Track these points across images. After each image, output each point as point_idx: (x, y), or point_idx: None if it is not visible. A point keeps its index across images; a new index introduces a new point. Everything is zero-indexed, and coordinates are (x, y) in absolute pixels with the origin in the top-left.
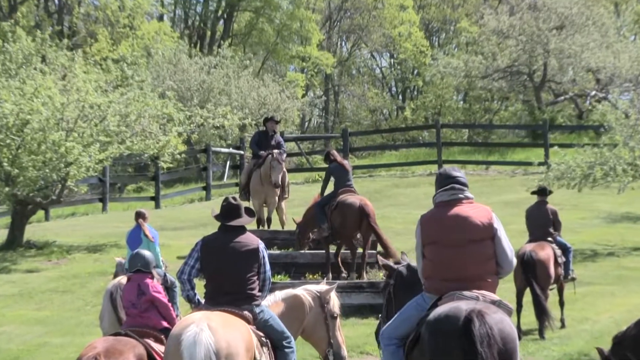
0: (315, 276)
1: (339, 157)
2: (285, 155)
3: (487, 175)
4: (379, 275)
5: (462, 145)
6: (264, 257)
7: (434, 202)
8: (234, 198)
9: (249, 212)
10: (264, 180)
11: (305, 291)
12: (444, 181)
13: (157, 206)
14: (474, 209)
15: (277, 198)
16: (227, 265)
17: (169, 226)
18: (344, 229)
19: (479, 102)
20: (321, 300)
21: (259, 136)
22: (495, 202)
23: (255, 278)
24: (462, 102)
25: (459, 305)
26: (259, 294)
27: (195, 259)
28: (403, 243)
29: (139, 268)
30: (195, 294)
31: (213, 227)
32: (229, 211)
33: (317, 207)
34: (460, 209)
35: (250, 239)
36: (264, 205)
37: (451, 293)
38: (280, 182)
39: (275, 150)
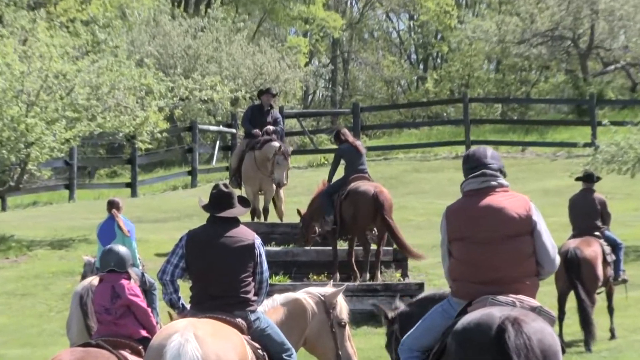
0: (320, 277)
1: (350, 137)
2: (283, 133)
3: (523, 159)
4: (396, 276)
5: (494, 123)
6: (260, 255)
7: (462, 191)
8: (226, 185)
9: (244, 202)
10: (259, 164)
11: (308, 295)
12: (474, 165)
13: (134, 194)
14: (510, 198)
15: (274, 185)
16: (217, 263)
17: (147, 218)
18: (355, 222)
19: (513, 72)
20: (326, 305)
21: (252, 112)
22: (533, 190)
23: (250, 279)
24: (494, 72)
25: (491, 312)
26: (255, 298)
27: (179, 257)
28: (423, 238)
29: (112, 267)
30: (179, 298)
31: (200, 219)
32: (219, 200)
33: (323, 195)
34: (493, 199)
35: (244, 233)
36: (259, 193)
37: (483, 298)
38: (285, 181)
39: (275, 143)
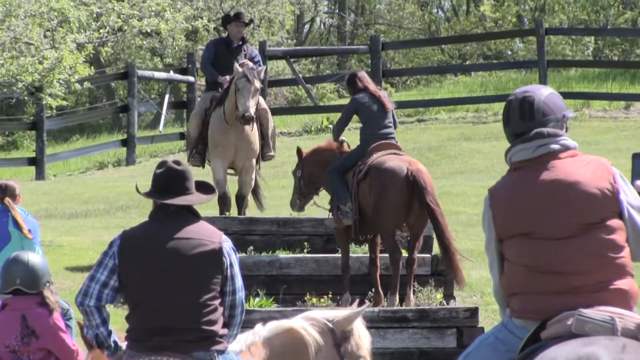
0: (322, 300)
1: (372, 85)
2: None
3: (627, 119)
4: (437, 298)
5: (584, 67)
6: (231, 265)
7: (509, 163)
8: (177, 162)
9: (204, 187)
10: (229, 122)
11: (308, 322)
12: (521, 118)
13: (40, 175)
14: (583, 166)
15: (254, 159)
16: (167, 279)
17: (60, 211)
18: (379, 215)
19: None
20: (336, 335)
21: (215, 49)
22: None
23: (215, 302)
24: None
25: (594, 352)
26: (224, 331)
27: (109, 271)
28: (476, 240)
29: (18, 286)
30: (109, 333)
31: (141, 212)
32: (167, 183)
33: (332, 173)
34: (559, 171)
35: (206, 233)
36: (231, 170)
37: (563, 315)
38: (253, 114)
39: (246, 62)
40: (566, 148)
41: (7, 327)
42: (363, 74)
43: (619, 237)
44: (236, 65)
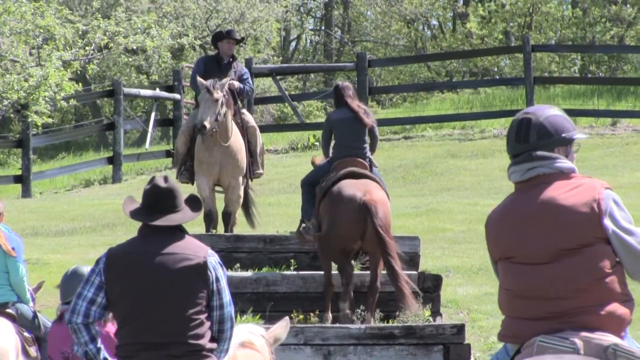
0: (310, 317)
1: (352, 99)
2: (252, 95)
3: (613, 136)
4: (424, 315)
5: (570, 83)
6: (217, 280)
7: (513, 182)
8: (165, 178)
9: (192, 203)
10: (214, 142)
11: (254, 334)
12: (517, 140)
13: (26, 192)
14: (571, 190)
15: (240, 177)
16: (153, 295)
17: (46, 229)
18: (329, 239)
19: (599, 6)
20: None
21: (205, 66)
22: (628, 183)
23: (202, 317)
24: (569, 7)
25: None
26: (212, 345)
27: (96, 288)
28: (464, 257)
29: None
30: (98, 350)
31: (127, 230)
32: (155, 201)
33: (303, 187)
34: (546, 195)
35: (191, 248)
36: (216, 186)
37: (532, 341)
38: (208, 126)
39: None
40: (559, 171)
41: (63, 335)
42: (346, 87)
43: (602, 262)
44: (199, 79)
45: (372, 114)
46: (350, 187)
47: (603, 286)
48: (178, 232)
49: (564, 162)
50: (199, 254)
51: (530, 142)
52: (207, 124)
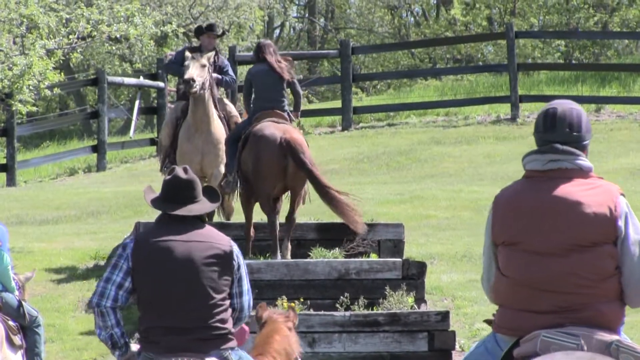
0: (293, 303)
1: (272, 55)
2: (235, 87)
3: (597, 122)
4: (408, 302)
5: (554, 69)
6: (239, 268)
7: (524, 168)
8: (185, 169)
9: (210, 194)
10: (195, 130)
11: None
12: (543, 130)
13: (11, 181)
14: (589, 189)
15: (222, 165)
16: (181, 281)
17: (31, 217)
18: (256, 179)
19: None
20: None
21: (184, 57)
22: (612, 169)
23: (226, 303)
24: None
25: None
26: (234, 330)
27: (124, 273)
28: (447, 244)
29: None
30: (122, 334)
31: (112, 218)
32: (176, 192)
33: (227, 144)
34: (565, 189)
35: (215, 236)
36: (200, 177)
37: (534, 334)
38: (195, 79)
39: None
40: (579, 168)
41: None
42: (267, 44)
43: (609, 262)
44: (187, 52)
45: (294, 72)
46: (269, 128)
47: (607, 285)
48: (199, 221)
49: (585, 161)
50: (224, 242)
51: (565, 132)
52: (195, 77)
